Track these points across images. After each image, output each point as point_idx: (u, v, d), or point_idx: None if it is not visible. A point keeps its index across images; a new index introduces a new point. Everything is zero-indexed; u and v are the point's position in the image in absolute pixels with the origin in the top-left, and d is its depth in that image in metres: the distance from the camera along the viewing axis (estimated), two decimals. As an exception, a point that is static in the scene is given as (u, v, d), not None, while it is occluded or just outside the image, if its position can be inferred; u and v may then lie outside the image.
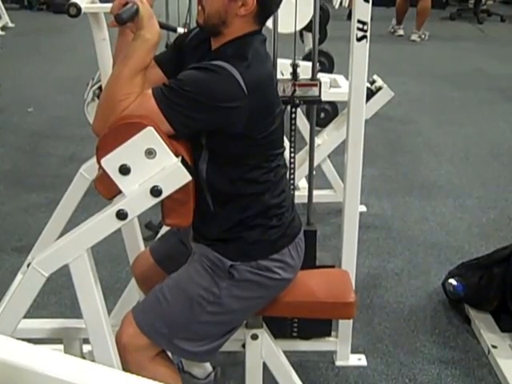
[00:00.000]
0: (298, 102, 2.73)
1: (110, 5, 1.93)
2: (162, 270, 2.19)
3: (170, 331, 1.94)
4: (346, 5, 9.14)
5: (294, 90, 2.72)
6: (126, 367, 1.96)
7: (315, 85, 2.77)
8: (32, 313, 1.98)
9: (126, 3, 1.83)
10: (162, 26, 4.22)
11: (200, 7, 1.90)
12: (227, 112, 1.80)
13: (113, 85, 1.82)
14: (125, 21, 1.80)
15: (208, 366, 2.44)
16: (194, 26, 2.05)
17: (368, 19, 2.31)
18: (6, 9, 9.04)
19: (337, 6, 9.31)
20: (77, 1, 2.04)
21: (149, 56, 1.84)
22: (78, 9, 2.00)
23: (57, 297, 3.09)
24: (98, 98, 2.90)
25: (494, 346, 2.76)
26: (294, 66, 2.76)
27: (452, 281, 3.06)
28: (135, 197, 1.79)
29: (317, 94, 2.77)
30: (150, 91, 1.79)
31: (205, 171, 1.91)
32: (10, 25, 8.93)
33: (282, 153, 2.01)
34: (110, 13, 1.88)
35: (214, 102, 1.78)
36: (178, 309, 1.95)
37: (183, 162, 1.78)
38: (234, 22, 1.86)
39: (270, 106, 1.90)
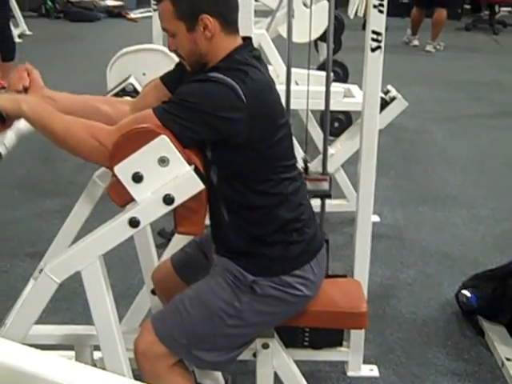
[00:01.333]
0: (308, 196, 2.78)
1: None
2: (180, 279, 2.21)
3: (188, 342, 1.95)
4: (362, 14, 9.16)
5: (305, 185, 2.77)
6: (142, 375, 1.97)
7: (325, 179, 2.84)
8: (43, 319, 1.99)
9: None
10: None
11: (181, 59, 1.95)
12: (228, 122, 1.81)
13: (72, 141, 1.84)
14: None
15: (220, 379, 2.44)
16: None
17: (382, 30, 2.31)
18: (24, 17, 9.11)
19: (352, 16, 9.31)
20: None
21: (41, 103, 1.94)
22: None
23: (68, 303, 3.10)
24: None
25: (508, 359, 2.73)
26: (305, 162, 2.81)
27: (465, 292, 3.04)
28: (148, 204, 1.79)
29: (327, 188, 2.88)
30: (150, 111, 1.81)
31: (216, 183, 1.92)
32: (28, 32, 9.00)
33: (293, 165, 2.01)
34: None
35: (215, 111, 1.79)
36: (198, 320, 1.96)
37: (196, 170, 1.79)
38: (210, 47, 1.90)
39: (270, 115, 1.90)
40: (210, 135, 1.83)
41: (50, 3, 10.40)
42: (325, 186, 2.85)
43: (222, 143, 1.85)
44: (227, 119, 1.80)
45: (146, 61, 2.89)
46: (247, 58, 1.91)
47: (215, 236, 2.05)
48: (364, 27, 2.45)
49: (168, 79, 2.09)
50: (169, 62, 2.74)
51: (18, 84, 2.06)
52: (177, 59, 2.04)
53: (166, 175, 1.77)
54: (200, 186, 1.79)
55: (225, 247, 2.01)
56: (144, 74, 2.85)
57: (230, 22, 1.92)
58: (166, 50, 2.79)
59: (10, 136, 2.06)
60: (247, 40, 1.99)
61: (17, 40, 8.31)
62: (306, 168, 2.86)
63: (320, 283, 2.07)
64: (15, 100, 1.90)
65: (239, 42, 1.95)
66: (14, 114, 1.89)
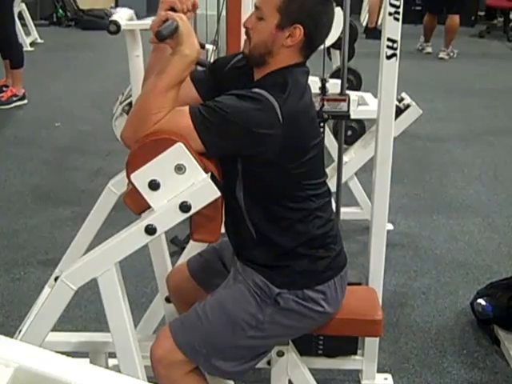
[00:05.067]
0: (326, 116, 2.72)
1: (148, 22, 1.93)
2: (196, 283, 2.21)
3: (208, 351, 1.95)
4: (364, 23, 9.12)
5: (323, 105, 2.72)
6: (158, 381, 1.98)
7: (343, 100, 2.77)
8: (57, 326, 1.99)
9: (166, 20, 1.82)
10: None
11: (246, 37, 1.92)
12: (261, 138, 1.81)
13: (147, 97, 1.82)
14: (165, 37, 1.80)
15: None
16: (235, 53, 2.07)
17: (398, 37, 2.30)
18: (36, 25, 9.15)
19: (364, 23, 9.32)
20: (116, 18, 2.03)
21: (186, 71, 1.84)
22: (118, 26, 1.99)
23: (82, 310, 3.10)
24: (127, 113, 2.92)
25: (524, 368, 2.71)
26: (323, 81, 2.76)
27: (481, 301, 3.02)
28: (164, 212, 1.80)
29: (345, 109, 2.77)
30: (186, 109, 1.80)
31: (242, 200, 1.93)
32: (39, 41, 9.04)
33: (322, 183, 2.01)
34: (150, 29, 1.87)
35: (251, 127, 1.79)
36: (219, 330, 1.96)
37: (213, 177, 1.79)
38: (279, 53, 1.89)
39: (303, 137, 1.90)
40: (240, 148, 1.83)
41: (61, 11, 10.43)
42: (343, 106, 2.79)
43: (253, 157, 1.85)
44: (260, 135, 1.80)
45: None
46: (299, 76, 1.92)
47: (239, 250, 2.05)
48: (367, 34, 2.44)
49: (200, 81, 2.06)
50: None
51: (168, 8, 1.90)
52: None
53: (182, 183, 1.78)
54: (217, 193, 1.79)
55: (250, 260, 2.00)
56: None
57: (311, 46, 1.93)
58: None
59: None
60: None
61: (28, 48, 8.37)
62: (323, 88, 2.80)
63: (342, 300, 2.07)
64: (192, 41, 1.82)
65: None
66: (177, 44, 1.81)
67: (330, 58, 5.38)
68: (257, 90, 1.83)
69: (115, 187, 2.31)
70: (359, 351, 2.68)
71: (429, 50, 8.92)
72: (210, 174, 1.79)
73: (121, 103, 2.82)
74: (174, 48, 1.83)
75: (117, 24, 1.99)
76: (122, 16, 2.07)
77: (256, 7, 1.90)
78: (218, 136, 1.80)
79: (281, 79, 1.87)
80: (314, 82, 3.11)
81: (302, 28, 1.85)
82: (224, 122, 1.78)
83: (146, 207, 1.82)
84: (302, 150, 1.89)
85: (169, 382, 1.95)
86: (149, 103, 1.81)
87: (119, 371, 1.95)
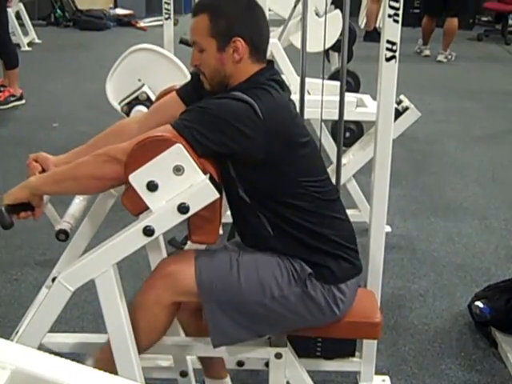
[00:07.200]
0: None
1: None
2: None
3: (219, 298, 1.94)
4: (362, 26, 9.15)
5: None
6: (142, 291, 2.01)
7: None
8: (54, 327, 1.98)
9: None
10: (189, 44, 4.26)
11: (201, 76, 1.97)
12: (244, 136, 1.82)
13: (83, 170, 1.92)
14: (9, 223, 1.93)
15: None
16: None
17: (397, 39, 2.30)
18: (34, 25, 9.16)
19: (362, 26, 9.32)
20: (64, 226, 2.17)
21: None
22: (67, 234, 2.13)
23: (79, 311, 3.10)
24: (126, 114, 2.93)
25: (521, 371, 2.71)
26: None
27: (478, 303, 3.02)
28: (162, 213, 1.80)
29: None
30: (168, 125, 1.83)
31: (248, 200, 1.94)
32: (37, 41, 9.05)
33: (323, 180, 2.02)
34: None
35: (233, 121, 1.81)
36: (243, 284, 1.96)
37: (211, 179, 1.78)
38: (234, 70, 1.93)
39: (288, 133, 1.92)
40: (225, 145, 1.83)
41: (59, 12, 10.43)
42: None
43: (242, 160, 1.87)
44: (243, 133, 1.82)
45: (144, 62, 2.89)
46: (266, 80, 1.94)
47: (262, 249, 2.04)
48: (366, 38, 2.44)
49: (185, 94, 2.11)
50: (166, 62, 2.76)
51: (34, 174, 2.13)
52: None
53: (180, 184, 1.78)
54: (215, 194, 1.78)
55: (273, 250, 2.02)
56: (139, 80, 2.86)
57: (259, 51, 1.96)
58: (161, 50, 2.80)
59: (69, 213, 2.23)
60: (269, 64, 2.02)
61: (26, 48, 8.38)
62: None
63: (352, 304, 2.10)
64: (23, 184, 1.98)
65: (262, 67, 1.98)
66: (32, 195, 1.96)
67: (329, 60, 5.40)
68: (234, 92, 1.87)
69: (113, 188, 2.30)
70: (357, 353, 2.68)
71: (427, 52, 8.95)
72: (208, 175, 1.79)
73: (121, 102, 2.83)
74: (36, 195, 1.99)
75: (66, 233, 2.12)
76: None
77: (193, 43, 1.96)
78: (201, 134, 1.80)
79: (250, 85, 1.91)
80: (312, 84, 3.12)
81: (240, 38, 1.90)
82: (207, 119, 1.80)
83: (143, 208, 1.82)
84: (290, 147, 1.91)
85: (152, 299, 1.96)
86: (82, 169, 1.92)
87: (117, 372, 1.95)
